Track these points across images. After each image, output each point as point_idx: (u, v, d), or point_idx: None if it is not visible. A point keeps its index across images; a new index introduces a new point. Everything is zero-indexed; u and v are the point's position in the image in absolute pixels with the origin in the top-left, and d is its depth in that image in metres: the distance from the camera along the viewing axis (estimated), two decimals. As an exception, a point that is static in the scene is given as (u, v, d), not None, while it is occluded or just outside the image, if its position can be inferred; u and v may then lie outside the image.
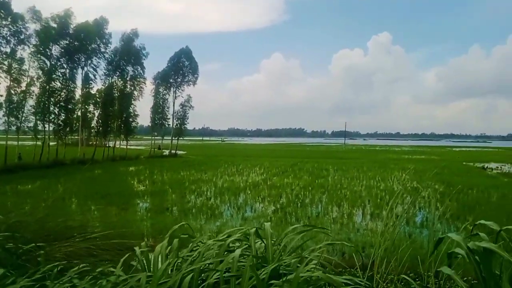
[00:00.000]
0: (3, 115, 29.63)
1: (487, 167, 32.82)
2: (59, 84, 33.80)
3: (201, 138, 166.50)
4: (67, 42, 33.75)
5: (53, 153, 32.29)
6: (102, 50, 38.08)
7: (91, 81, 37.32)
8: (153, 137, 52.21)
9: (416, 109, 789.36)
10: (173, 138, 49.75)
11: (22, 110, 30.73)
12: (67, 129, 35.76)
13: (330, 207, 13.77)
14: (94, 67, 37.54)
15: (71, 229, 5.42)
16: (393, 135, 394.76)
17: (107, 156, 38.16)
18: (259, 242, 3.38)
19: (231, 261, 2.65)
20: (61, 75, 33.91)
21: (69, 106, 34.87)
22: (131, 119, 43.19)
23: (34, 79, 31.80)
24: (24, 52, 30.76)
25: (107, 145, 41.73)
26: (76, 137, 42.93)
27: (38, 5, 31.11)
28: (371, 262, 3.41)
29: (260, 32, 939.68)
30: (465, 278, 3.44)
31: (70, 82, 34.73)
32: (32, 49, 31.20)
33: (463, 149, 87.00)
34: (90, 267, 3.07)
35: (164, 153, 48.18)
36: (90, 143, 49.69)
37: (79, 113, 38.19)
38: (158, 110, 48.18)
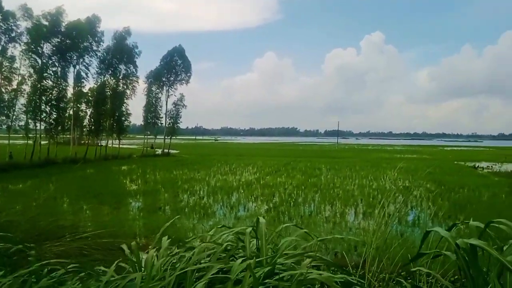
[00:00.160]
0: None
1: (478, 166, 33.12)
2: (50, 82, 33.48)
3: (194, 137, 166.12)
4: (59, 40, 33.42)
5: (44, 152, 32.00)
6: (94, 48, 37.78)
7: (83, 80, 37.08)
8: (145, 136, 52.01)
9: (409, 109, 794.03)
10: (166, 137, 49.61)
11: (13, 108, 30.47)
12: (59, 128, 35.42)
13: (323, 206, 13.82)
14: (86, 65, 37.27)
15: (63, 229, 5.39)
16: (386, 135, 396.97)
17: (99, 155, 37.91)
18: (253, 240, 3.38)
19: (230, 264, 2.65)
20: (52, 74, 33.58)
21: (61, 105, 34.54)
22: (123, 118, 42.97)
23: (25, 77, 31.50)
24: (15, 50, 30.57)
25: (99, 144, 41.51)
26: (68, 136, 42.59)
27: (30, 2, 30.89)
28: (362, 260, 3.42)
29: (253, 31, 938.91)
30: (456, 277, 3.47)
31: (62, 80, 34.39)
32: (23, 47, 30.97)
33: (455, 148, 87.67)
34: (81, 267, 3.05)
35: (157, 152, 48.02)
36: (82, 142, 49.37)
37: (71, 112, 37.94)
38: (151, 109, 48.01)
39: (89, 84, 39.18)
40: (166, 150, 47.79)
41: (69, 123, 38.08)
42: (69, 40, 33.91)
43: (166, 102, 48.71)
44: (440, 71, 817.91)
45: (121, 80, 42.01)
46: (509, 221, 2.36)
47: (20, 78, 30.91)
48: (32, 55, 31.53)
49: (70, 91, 36.18)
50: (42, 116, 32.83)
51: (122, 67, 41.74)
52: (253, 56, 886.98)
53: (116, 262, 2.91)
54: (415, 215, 12.40)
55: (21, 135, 32.58)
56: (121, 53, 40.92)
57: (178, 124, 50.30)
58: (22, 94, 31.38)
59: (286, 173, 24.41)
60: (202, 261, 2.90)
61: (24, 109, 31.62)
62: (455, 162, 37.46)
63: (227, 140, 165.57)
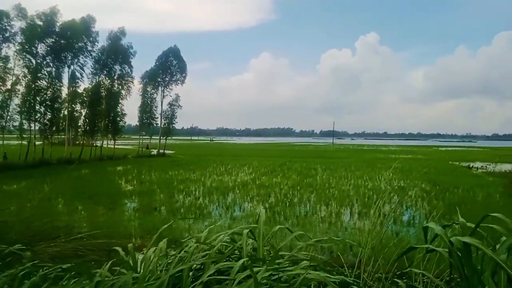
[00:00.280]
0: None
1: (472, 166, 33.30)
2: (45, 82, 33.29)
3: (189, 138, 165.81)
4: (53, 40, 33.25)
5: (39, 152, 31.82)
6: (89, 48, 37.62)
7: (78, 80, 36.93)
8: (141, 137, 51.86)
9: (403, 109, 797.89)
10: (161, 137, 49.45)
11: (7, 109, 30.29)
12: (54, 129, 35.28)
13: (319, 206, 13.83)
14: (81, 65, 37.12)
15: (57, 230, 5.37)
16: (381, 135, 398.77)
17: (94, 156, 37.75)
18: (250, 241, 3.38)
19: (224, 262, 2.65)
20: (47, 74, 33.40)
21: (56, 105, 34.40)
22: (118, 118, 42.84)
23: (20, 77, 31.34)
24: (9, 50, 30.42)
25: (94, 145, 41.32)
26: (63, 136, 42.41)
27: (24, 2, 30.69)
28: (358, 260, 3.43)
29: (248, 31, 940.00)
30: (451, 276, 3.48)
31: (57, 80, 34.27)
32: (18, 47, 30.78)
33: (449, 148, 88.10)
34: (76, 268, 3.03)
35: (152, 153, 47.88)
36: (77, 142, 49.15)
37: (66, 112, 37.75)
38: (146, 109, 47.85)
39: (84, 85, 39.28)
40: (161, 151, 47.67)
41: (64, 123, 37.91)
42: (63, 40, 33.76)
43: (162, 102, 48.64)
44: (435, 72, 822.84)
45: (116, 81, 41.87)
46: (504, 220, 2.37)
47: (14, 79, 30.77)
48: (27, 55, 31.35)
49: (64, 92, 36.13)
50: (37, 117, 32.67)
51: (117, 67, 41.62)
52: (249, 56, 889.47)
53: (109, 262, 2.90)
54: (410, 215, 12.44)
55: (16, 135, 32.41)
56: (116, 54, 40.77)
57: (173, 125, 50.13)
58: (17, 95, 31.24)
59: (282, 174, 24.42)
60: (198, 262, 2.90)
61: (19, 109, 31.47)
62: (450, 162, 37.65)
63: (223, 140, 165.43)
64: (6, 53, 30.07)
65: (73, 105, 38.49)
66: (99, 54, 39.54)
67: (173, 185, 19.01)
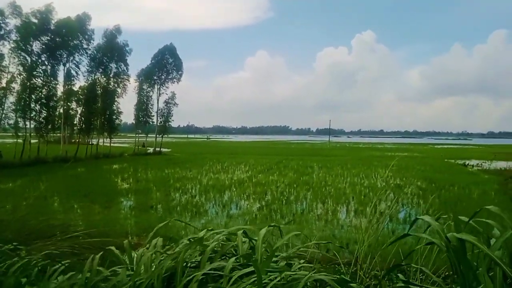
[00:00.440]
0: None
1: (468, 164, 33.44)
2: (40, 80, 33.21)
3: (186, 136, 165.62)
4: (48, 38, 33.11)
5: (34, 151, 31.69)
6: (85, 46, 37.54)
7: (73, 78, 36.81)
8: (137, 135, 51.73)
9: (400, 107, 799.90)
10: (157, 135, 49.39)
11: (2, 107, 30.23)
12: (49, 127, 35.11)
13: (315, 204, 13.86)
14: (76, 63, 37.06)
15: (53, 228, 5.35)
16: (377, 133, 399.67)
17: (90, 154, 37.66)
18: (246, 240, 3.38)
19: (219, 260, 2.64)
20: (42, 72, 33.33)
21: (51, 103, 34.27)
22: (114, 117, 42.75)
23: (15, 75, 31.22)
24: (4, 48, 30.33)
25: (90, 143, 41.19)
26: (58, 134, 42.20)
27: (19, 0, 30.31)
28: (355, 258, 3.44)
29: (244, 29, 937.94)
30: (447, 273, 3.50)
31: (52, 78, 34.14)
32: (13, 45, 30.71)
33: (445, 146, 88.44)
34: (72, 266, 3.02)
35: (148, 151, 47.80)
36: (73, 140, 48.91)
37: (61, 110, 37.56)
38: (142, 107, 47.74)
39: (79, 83, 39.00)
40: (157, 149, 47.59)
41: (60, 121, 37.69)
42: (59, 38, 33.62)
43: (158, 100, 48.59)
44: (431, 70, 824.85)
45: (112, 79, 41.73)
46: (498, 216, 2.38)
47: (9, 76, 30.65)
48: (22, 53, 31.24)
49: (60, 90, 36.01)
50: (32, 115, 32.57)
51: (113, 65, 41.55)
52: (245, 54, 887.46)
53: (95, 257, 2.89)
54: (406, 213, 12.49)
55: (11, 133, 32.25)
56: (112, 51, 40.66)
57: (169, 123, 50.10)
58: (12, 93, 31.20)
59: (278, 171, 24.45)
60: (193, 260, 2.89)
61: (14, 107, 31.37)
62: (446, 160, 37.81)
63: (219, 138, 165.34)
64: (1, 51, 30.13)
65: (68, 103, 38.31)
66: (95, 52, 39.47)
67: (170, 183, 19.00)
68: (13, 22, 30.47)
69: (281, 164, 29.68)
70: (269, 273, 2.60)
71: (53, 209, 12.58)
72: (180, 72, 48.60)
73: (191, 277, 2.40)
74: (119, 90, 42.54)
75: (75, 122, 43.18)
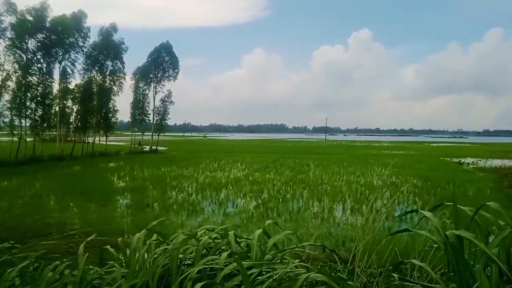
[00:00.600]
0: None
1: (463, 162, 33.54)
2: (36, 78, 32.99)
3: (182, 134, 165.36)
4: (44, 35, 32.90)
5: (30, 149, 31.50)
6: (81, 44, 37.25)
7: (69, 76, 36.64)
8: (133, 133, 51.57)
9: (396, 106, 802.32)
10: (154, 134, 49.26)
11: (-2, 105, 29.98)
12: (45, 125, 34.90)
13: (311, 202, 13.88)
14: (72, 61, 36.79)
15: (49, 226, 5.33)
16: (373, 131, 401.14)
17: (86, 152, 37.51)
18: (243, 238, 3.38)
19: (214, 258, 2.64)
20: (37, 70, 33.11)
21: (47, 101, 34.06)
22: (110, 115, 42.51)
23: (10, 73, 31.02)
24: (-1, 45, 30.01)
25: (86, 141, 41.03)
26: (54, 132, 42.03)
27: (13, -3, 30.14)
28: (352, 256, 3.45)
29: (241, 27, 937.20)
30: (443, 271, 3.51)
31: (47, 76, 33.90)
32: (8, 43, 30.47)
33: (441, 144, 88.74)
34: (68, 264, 3.01)
35: (145, 149, 47.61)
36: (69, 139, 48.78)
37: (57, 109, 37.37)
38: (138, 105, 47.59)
39: (75, 81, 38.77)
40: (154, 147, 47.47)
41: (55, 119, 37.53)
42: (54, 36, 33.42)
43: (154, 98, 48.41)
44: (427, 69, 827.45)
45: (108, 77, 41.53)
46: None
47: (4, 74, 30.46)
48: (17, 50, 31.03)
49: (56, 88, 35.76)
50: (27, 113, 32.36)
51: (108, 63, 41.30)
52: (242, 52, 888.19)
53: (85, 253, 2.89)
54: (402, 211, 12.53)
55: (6, 132, 32.07)
56: (108, 49, 40.45)
57: (166, 121, 49.94)
58: (7, 90, 30.95)
59: (275, 170, 24.46)
60: (187, 257, 2.89)
61: (9, 105, 31.18)
62: (441, 158, 37.94)
63: (216, 136, 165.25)
64: (-4, 48, 29.75)
65: (64, 101, 38.16)
66: (91, 49, 39.24)
67: (166, 182, 18.97)
68: (8, 20, 30.25)
69: (278, 162, 29.69)
70: (263, 271, 2.61)
71: (49, 207, 12.54)
72: (176, 70, 48.47)
73: (184, 275, 2.40)
74: (115, 88, 42.36)
75: (71, 120, 42.95)
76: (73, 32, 35.45)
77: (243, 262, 2.33)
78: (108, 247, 3.25)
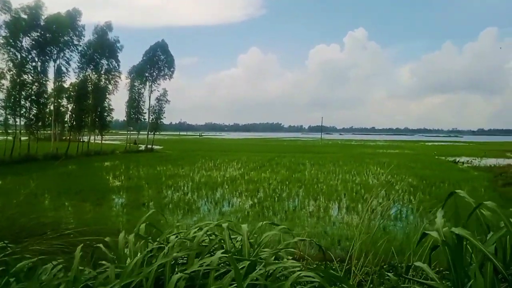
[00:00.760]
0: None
1: (458, 161, 33.70)
2: (30, 77, 32.79)
3: (178, 133, 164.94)
4: (38, 34, 32.70)
5: (24, 148, 31.35)
6: (75, 42, 37.03)
7: (64, 74, 36.44)
8: (128, 132, 51.41)
9: (391, 105, 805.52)
10: (149, 132, 49.12)
11: (-8, 103, 29.79)
12: (39, 124, 34.75)
13: (307, 201, 13.89)
14: (67, 60, 36.60)
15: (44, 226, 5.29)
16: (369, 130, 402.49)
17: (81, 151, 37.37)
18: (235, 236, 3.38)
19: (208, 256, 2.63)
20: (32, 68, 32.90)
21: (41, 100, 33.89)
22: (105, 114, 42.33)
23: (4, 71, 30.83)
24: (-7, 43, 29.82)
25: (81, 140, 40.86)
26: (49, 131, 41.80)
27: (8, -5, 29.93)
28: (349, 255, 3.45)
29: (237, 27, 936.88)
30: (439, 269, 3.53)
31: (42, 75, 33.71)
32: (2, 41, 30.33)
33: (436, 143, 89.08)
34: (62, 264, 3.00)
35: (140, 148, 47.49)
36: (64, 138, 48.47)
37: (52, 107, 37.18)
38: (134, 104, 47.44)
39: (70, 79, 38.57)
40: (149, 146, 47.36)
41: (50, 118, 37.32)
42: (49, 34, 33.20)
43: (149, 97, 48.25)
44: (422, 68, 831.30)
45: (103, 75, 41.36)
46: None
47: (-2, 73, 30.24)
48: (11, 49, 30.86)
49: (50, 86, 35.57)
50: (22, 112, 32.18)
51: (104, 62, 41.11)
52: (238, 51, 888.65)
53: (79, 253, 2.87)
54: (397, 209, 12.56)
55: (0, 130, 31.87)
56: (103, 48, 40.24)
57: (161, 120, 49.80)
58: (1, 89, 30.76)
59: (271, 169, 24.46)
60: (181, 256, 2.88)
61: (3, 104, 31.01)
62: (436, 157, 38.09)
63: (212, 135, 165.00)
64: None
65: (59, 100, 37.89)
66: (86, 48, 39.02)
67: (161, 181, 18.92)
68: (2, 18, 30.10)
69: (274, 161, 29.70)
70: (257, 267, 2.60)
71: (44, 207, 12.46)
72: (172, 69, 48.39)
73: (178, 276, 2.38)
74: (110, 87, 42.14)
75: (66, 119, 42.71)
76: (67, 30, 35.19)
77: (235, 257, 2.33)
78: (101, 245, 3.23)
